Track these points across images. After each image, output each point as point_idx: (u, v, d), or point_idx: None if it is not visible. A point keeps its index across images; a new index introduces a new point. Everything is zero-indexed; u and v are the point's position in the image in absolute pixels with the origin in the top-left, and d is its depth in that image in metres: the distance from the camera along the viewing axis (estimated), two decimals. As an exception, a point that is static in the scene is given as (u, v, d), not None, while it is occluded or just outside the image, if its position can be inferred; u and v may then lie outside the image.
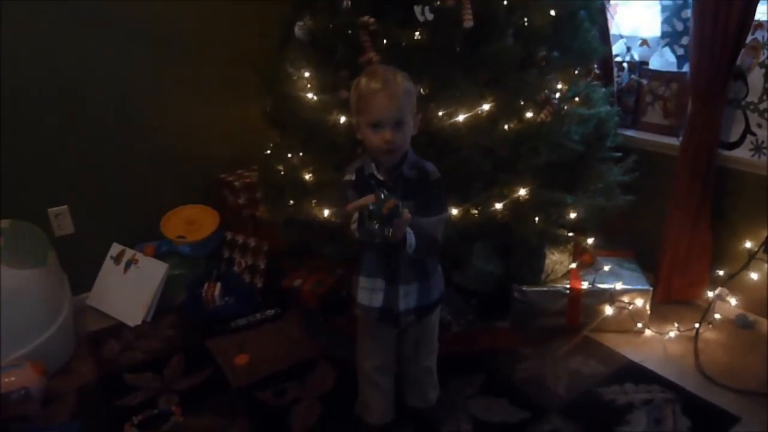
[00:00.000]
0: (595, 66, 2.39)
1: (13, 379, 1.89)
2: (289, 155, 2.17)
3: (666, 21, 2.40)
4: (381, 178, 1.44)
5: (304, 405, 1.97)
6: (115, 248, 2.70)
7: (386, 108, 1.37)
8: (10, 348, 1.99)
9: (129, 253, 2.66)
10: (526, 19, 1.90)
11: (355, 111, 1.45)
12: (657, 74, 2.45)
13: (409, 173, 1.45)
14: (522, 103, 1.89)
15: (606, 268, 2.37)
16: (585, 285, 2.26)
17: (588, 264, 2.39)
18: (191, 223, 2.80)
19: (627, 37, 2.59)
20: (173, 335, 2.43)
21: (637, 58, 2.57)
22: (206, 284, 2.58)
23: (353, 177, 1.48)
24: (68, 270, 2.47)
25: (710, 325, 2.28)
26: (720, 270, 2.29)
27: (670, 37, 2.42)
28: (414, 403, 1.80)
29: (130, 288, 2.58)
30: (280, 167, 2.18)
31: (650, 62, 2.52)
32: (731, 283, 2.24)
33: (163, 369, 2.19)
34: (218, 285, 2.57)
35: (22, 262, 2.10)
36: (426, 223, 1.43)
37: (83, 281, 2.64)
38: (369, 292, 1.54)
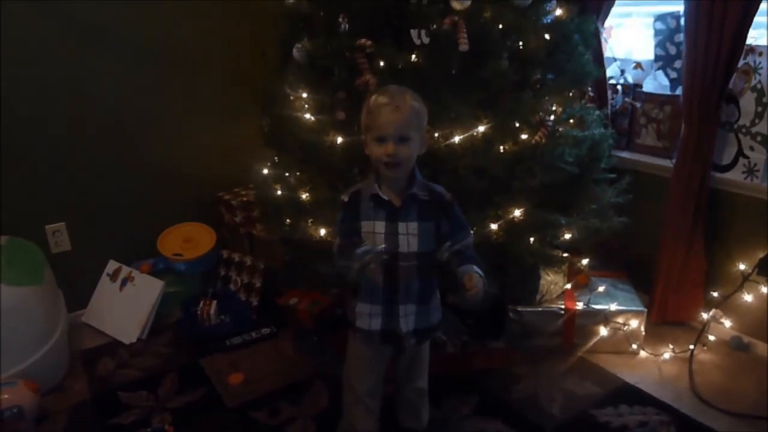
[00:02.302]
0: (589, 88, 2.41)
1: (6, 396, 1.88)
2: (287, 174, 2.19)
3: (659, 45, 2.43)
4: (386, 197, 1.45)
5: (298, 425, 1.96)
6: (112, 265, 2.70)
7: (391, 122, 1.38)
8: (4, 366, 1.98)
9: (125, 270, 2.66)
10: (520, 43, 1.92)
11: (365, 127, 1.46)
12: (650, 97, 2.49)
13: (420, 194, 1.47)
14: (517, 124, 1.91)
15: (600, 288, 2.37)
16: (580, 306, 2.27)
17: (582, 285, 2.40)
18: (188, 240, 2.80)
19: (621, 60, 2.63)
20: (168, 353, 2.42)
21: (630, 80, 2.60)
22: (202, 302, 2.58)
23: (346, 198, 1.50)
24: (64, 287, 2.47)
25: (705, 347, 2.28)
26: (714, 291, 2.29)
27: (663, 61, 2.45)
28: (408, 425, 1.78)
29: (125, 305, 2.58)
30: (278, 186, 2.19)
31: (644, 85, 2.55)
32: (725, 304, 2.25)
33: (157, 387, 2.18)
34: (214, 303, 2.57)
35: (19, 279, 2.09)
36: (469, 246, 1.51)
37: (79, 298, 2.63)
38: (368, 317, 1.53)
